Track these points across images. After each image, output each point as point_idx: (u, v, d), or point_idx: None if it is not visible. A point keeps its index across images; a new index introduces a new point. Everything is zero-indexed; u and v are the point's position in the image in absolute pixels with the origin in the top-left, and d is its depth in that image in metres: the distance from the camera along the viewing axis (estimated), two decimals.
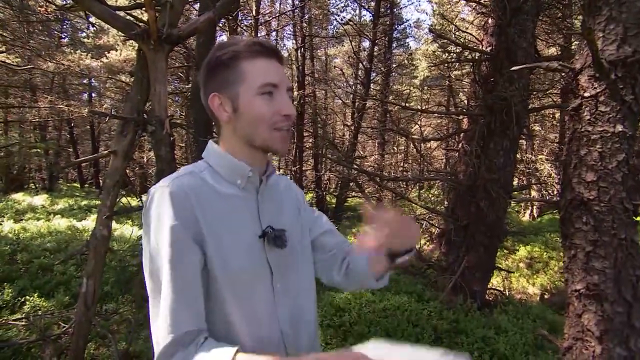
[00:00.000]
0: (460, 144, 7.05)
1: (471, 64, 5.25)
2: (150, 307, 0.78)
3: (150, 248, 0.78)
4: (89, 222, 7.74)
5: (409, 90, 13.75)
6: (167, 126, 3.07)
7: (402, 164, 17.62)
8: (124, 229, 7.03)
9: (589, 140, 1.40)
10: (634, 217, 1.35)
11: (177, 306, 0.75)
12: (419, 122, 12.14)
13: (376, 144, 15.20)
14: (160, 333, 0.75)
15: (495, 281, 5.98)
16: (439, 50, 11.45)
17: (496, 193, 4.16)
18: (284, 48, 15.30)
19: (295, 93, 10.90)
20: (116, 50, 12.57)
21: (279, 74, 0.85)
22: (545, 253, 6.97)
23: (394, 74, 15.02)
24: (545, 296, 5.78)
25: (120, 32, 3.44)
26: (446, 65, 8.14)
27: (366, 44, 13.98)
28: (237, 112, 0.84)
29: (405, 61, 14.86)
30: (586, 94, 1.41)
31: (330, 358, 0.67)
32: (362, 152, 15.59)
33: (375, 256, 0.93)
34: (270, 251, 0.86)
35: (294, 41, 12.89)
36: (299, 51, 12.03)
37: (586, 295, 1.34)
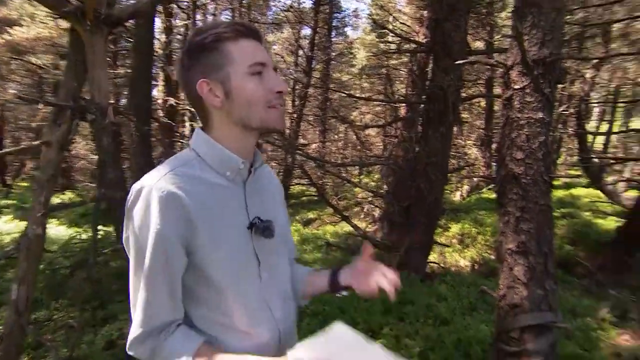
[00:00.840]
0: (399, 131, 7.49)
1: (409, 54, 5.60)
2: (130, 297, 0.83)
3: (134, 245, 0.80)
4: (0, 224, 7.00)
5: (356, 79, 14.08)
6: (111, 114, 2.93)
7: (342, 151, 18.07)
8: (50, 229, 6.49)
9: (518, 125, 1.69)
10: (550, 187, 1.67)
11: (152, 302, 0.80)
12: (361, 110, 12.50)
13: (317, 132, 15.40)
14: (136, 323, 0.81)
15: (432, 257, 6.52)
16: (377, 40, 11.87)
17: (435, 176, 4.55)
18: None
19: None
20: (21, 26, 10.58)
21: (264, 53, 0.85)
22: (474, 229, 7.68)
23: (333, 62, 15.26)
24: (475, 267, 6.45)
25: (48, 9, 3.15)
26: (385, 55, 8.51)
27: (306, 31, 14.03)
28: (230, 95, 0.82)
29: (345, 50, 15.16)
30: (516, 87, 1.69)
31: None
32: (303, 140, 15.73)
33: (318, 282, 1.02)
34: (257, 241, 0.88)
35: None
36: None
37: (516, 252, 1.64)
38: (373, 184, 10.75)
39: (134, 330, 0.81)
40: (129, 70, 8.87)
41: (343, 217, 6.29)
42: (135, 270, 0.81)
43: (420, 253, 4.88)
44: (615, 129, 13.09)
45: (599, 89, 11.59)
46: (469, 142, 11.27)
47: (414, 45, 5.86)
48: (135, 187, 0.80)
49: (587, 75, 7.02)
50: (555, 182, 10.57)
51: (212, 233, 0.81)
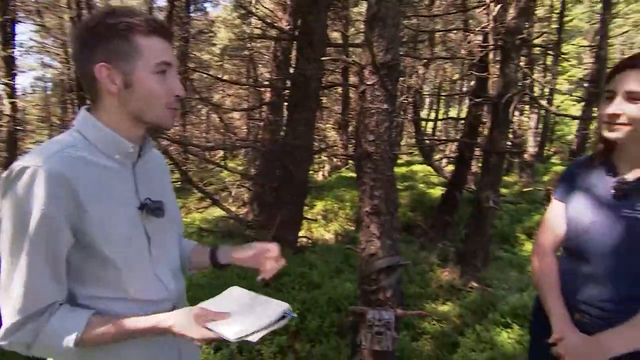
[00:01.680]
0: (265, 115, 7.73)
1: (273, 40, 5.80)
2: (2, 280, 0.78)
3: (12, 226, 0.76)
4: None
5: (217, 59, 13.55)
6: None
7: (204, 135, 17.38)
8: None
9: (369, 114, 2.11)
10: (394, 162, 2.14)
11: (34, 285, 0.77)
12: (225, 92, 12.23)
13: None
14: (12, 309, 0.77)
15: (301, 232, 7.06)
16: (239, 20, 11.72)
17: (301, 157, 4.95)
18: None
19: None
20: None
21: (172, 53, 0.88)
22: (335, 205, 8.53)
23: (192, 39, 14.38)
24: (339, 238, 7.25)
25: None
26: (249, 38, 8.55)
27: (161, 2, 12.84)
28: (130, 87, 0.84)
29: (205, 28, 14.47)
30: (368, 82, 2.09)
31: (180, 316, 0.85)
32: None
33: (201, 258, 1.12)
34: (148, 221, 0.92)
35: None
36: (71, 5, 9.96)
37: (371, 213, 2.08)
38: (240, 168, 10.79)
39: (10, 318, 0.77)
40: None
41: (214, 201, 6.27)
42: (10, 252, 0.77)
43: (291, 229, 5.27)
44: (440, 116, 16.10)
45: (428, 83, 14.15)
46: (328, 125, 12.26)
47: (277, 31, 6.09)
48: (16, 166, 0.76)
49: (420, 72, 8.49)
50: (399, 161, 12.49)
51: (103, 214, 0.83)
